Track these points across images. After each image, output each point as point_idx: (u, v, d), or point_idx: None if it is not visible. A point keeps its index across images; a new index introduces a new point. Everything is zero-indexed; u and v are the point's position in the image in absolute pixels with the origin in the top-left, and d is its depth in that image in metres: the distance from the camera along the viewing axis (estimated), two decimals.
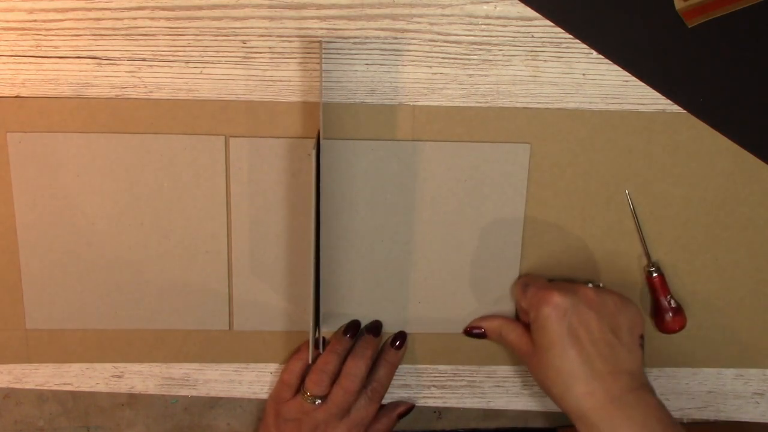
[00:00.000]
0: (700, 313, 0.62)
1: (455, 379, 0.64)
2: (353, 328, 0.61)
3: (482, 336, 0.61)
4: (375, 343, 0.61)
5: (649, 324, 0.62)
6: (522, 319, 0.60)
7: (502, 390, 0.64)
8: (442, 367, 0.63)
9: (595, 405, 0.52)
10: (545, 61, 0.57)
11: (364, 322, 0.62)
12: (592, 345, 0.53)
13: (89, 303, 0.60)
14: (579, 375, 0.53)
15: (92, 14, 0.55)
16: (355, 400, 0.59)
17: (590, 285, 0.56)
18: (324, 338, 0.61)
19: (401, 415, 0.63)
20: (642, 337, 0.55)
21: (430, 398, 0.64)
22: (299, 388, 0.60)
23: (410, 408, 0.63)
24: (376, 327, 0.61)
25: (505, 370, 0.64)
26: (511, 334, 0.59)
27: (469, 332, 0.61)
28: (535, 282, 0.57)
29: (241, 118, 0.57)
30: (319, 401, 0.59)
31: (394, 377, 0.62)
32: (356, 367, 0.59)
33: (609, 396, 0.52)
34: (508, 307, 0.61)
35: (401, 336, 0.61)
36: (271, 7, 0.55)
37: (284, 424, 0.60)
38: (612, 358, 0.53)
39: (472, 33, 0.56)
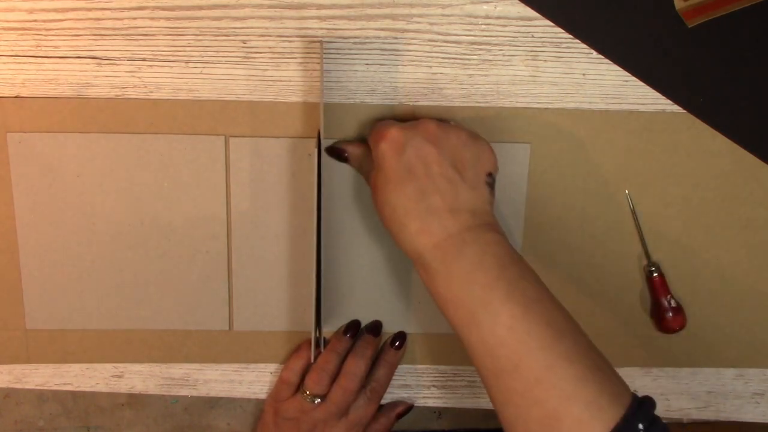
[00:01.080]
0: (700, 313, 0.62)
1: (455, 379, 0.64)
2: (353, 328, 0.61)
3: (344, 159, 0.56)
4: (375, 343, 0.61)
5: (649, 324, 0.62)
6: None
7: None
8: (442, 367, 0.63)
9: (429, 243, 0.48)
10: (545, 61, 0.57)
11: (364, 322, 0.62)
12: (430, 180, 0.49)
13: (89, 303, 0.60)
14: (413, 212, 0.49)
15: (92, 14, 0.55)
16: (354, 400, 0.59)
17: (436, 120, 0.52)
18: (324, 338, 0.61)
19: (400, 415, 0.63)
20: (490, 174, 0.51)
21: (430, 398, 0.64)
22: (299, 387, 0.60)
23: (409, 408, 0.63)
24: (376, 327, 0.61)
25: None
26: (368, 167, 0.54)
27: (334, 152, 0.57)
28: (380, 121, 0.53)
29: (241, 118, 0.57)
30: (319, 400, 0.59)
31: (394, 377, 0.62)
32: (356, 366, 0.59)
33: (445, 233, 0.48)
34: None
35: (401, 336, 0.61)
36: (271, 7, 0.55)
37: (283, 423, 0.60)
38: (451, 195, 0.49)
39: (472, 33, 0.56)
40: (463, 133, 0.51)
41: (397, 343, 0.61)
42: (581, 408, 0.43)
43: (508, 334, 0.45)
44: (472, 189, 0.50)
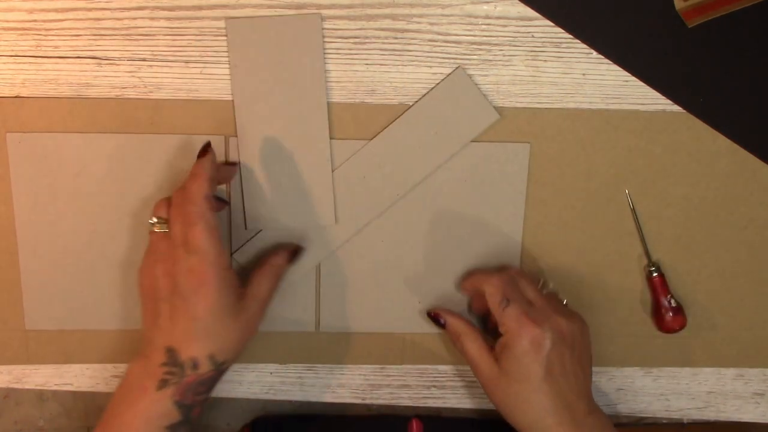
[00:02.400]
0: (700, 313, 0.62)
1: (455, 379, 0.64)
2: (203, 148, 0.53)
3: (441, 326, 0.58)
4: (207, 163, 0.52)
5: (649, 324, 0.62)
6: (483, 322, 0.60)
7: None
8: (442, 367, 0.63)
9: (556, 422, 0.53)
10: (545, 61, 0.57)
11: (365, 322, 0.61)
12: (564, 378, 0.53)
13: (89, 303, 0.60)
14: (550, 408, 0.53)
15: (92, 14, 0.55)
16: (199, 222, 0.50)
17: (561, 300, 0.58)
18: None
19: (291, 255, 0.57)
20: (591, 358, 0.57)
21: (430, 398, 0.64)
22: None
23: (300, 248, 0.58)
24: (204, 148, 0.53)
25: None
26: (473, 346, 0.56)
27: (432, 316, 0.59)
28: (513, 298, 0.55)
29: None
30: (161, 226, 0.52)
31: (394, 377, 0.62)
32: (191, 184, 0.51)
33: (575, 423, 0.53)
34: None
35: (207, 146, 0.53)
36: (271, 7, 0.55)
37: (144, 280, 0.53)
38: (576, 387, 0.54)
39: (472, 33, 0.56)
40: (580, 326, 0.56)
41: (204, 151, 0.53)
42: None
43: None
44: (586, 376, 0.55)
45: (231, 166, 0.57)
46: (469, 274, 0.60)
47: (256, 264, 0.57)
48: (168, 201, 0.53)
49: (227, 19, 0.55)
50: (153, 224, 0.52)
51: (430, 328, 0.62)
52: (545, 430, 0.53)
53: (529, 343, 0.53)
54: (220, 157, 0.57)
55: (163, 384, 0.50)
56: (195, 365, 0.51)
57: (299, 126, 0.57)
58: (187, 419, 0.51)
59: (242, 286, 0.54)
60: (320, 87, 0.56)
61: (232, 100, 0.56)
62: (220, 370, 0.52)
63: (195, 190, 0.51)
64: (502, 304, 0.54)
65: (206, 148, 0.53)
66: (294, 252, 0.58)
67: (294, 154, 0.57)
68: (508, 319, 0.54)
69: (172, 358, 0.50)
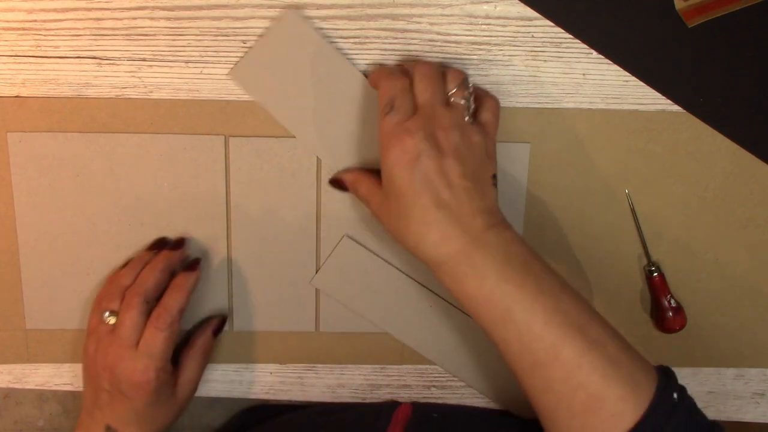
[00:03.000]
0: (700, 313, 0.62)
1: (455, 380, 0.64)
2: (158, 245, 0.58)
3: (343, 188, 0.57)
4: (171, 257, 0.56)
5: (649, 324, 0.62)
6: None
7: None
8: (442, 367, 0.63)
9: (453, 249, 0.48)
10: (545, 61, 0.57)
11: (366, 323, 0.61)
12: (449, 191, 0.48)
13: (89, 303, 0.60)
14: (433, 221, 0.48)
15: (92, 14, 0.55)
16: (143, 317, 0.54)
17: (466, 109, 0.51)
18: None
19: (216, 330, 0.59)
20: (494, 176, 0.51)
21: (430, 398, 0.64)
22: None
23: (223, 320, 0.60)
24: (178, 243, 0.57)
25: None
26: (363, 185, 0.54)
27: (334, 183, 0.57)
28: (398, 105, 0.50)
29: (241, 118, 0.57)
30: (112, 319, 0.55)
31: (394, 378, 0.62)
32: (144, 275, 0.55)
33: (467, 237, 0.48)
34: None
35: (196, 262, 0.57)
36: (271, 7, 0.55)
37: (85, 362, 0.57)
38: (467, 201, 0.49)
39: (472, 33, 0.56)
40: (476, 138, 0.50)
41: (192, 268, 0.57)
42: (621, 386, 0.46)
43: (544, 328, 0.47)
44: (483, 192, 0.50)
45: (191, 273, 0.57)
46: (377, 73, 0.54)
47: (183, 343, 0.59)
48: (120, 294, 0.55)
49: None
50: (105, 313, 0.55)
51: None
52: (435, 249, 0.49)
53: (399, 152, 0.48)
54: (220, 156, 0.57)
55: None
56: None
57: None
58: None
59: (172, 364, 0.56)
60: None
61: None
62: None
63: (174, 303, 0.55)
64: (385, 110, 0.50)
65: (195, 264, 0.57)
66: (219, 326, 0.60)
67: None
68: (384, 126, 0.50)
69: None
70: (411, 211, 0.49)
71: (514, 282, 0.48)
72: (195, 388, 0.58)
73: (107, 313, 0.55)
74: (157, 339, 0.53)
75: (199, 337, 0.59)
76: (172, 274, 0.56)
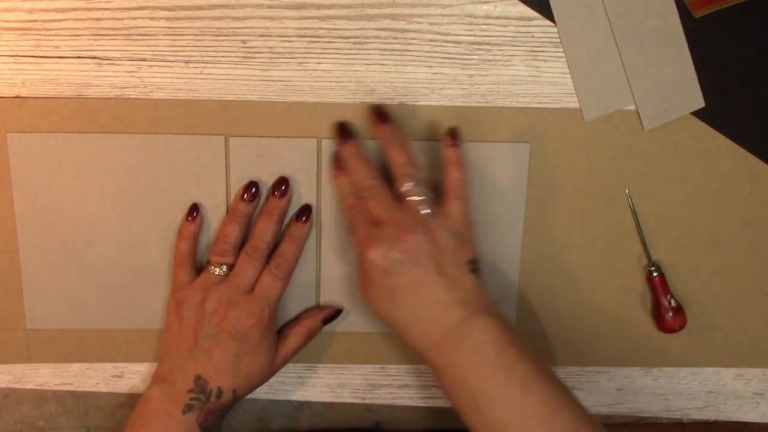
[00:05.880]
0: (700, 313, 0.62)
1: None
2: (249, 190, 0.57)
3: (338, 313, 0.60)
4: (281, 205, 0.57)
5: (649, 324, 0.62)
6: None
7: None
8: None
9: (430, 343, 0.51)
10: (545, 61, 0.57)
11: (366, 319, 0.61)
12: (420, 292, 0.51)
13: (89, 303, 0.60)
14: (411, 322, 0.52)
15: (92, 14, 0.55)
16: (262, 267, 0.56)
17: (420, 204, 0.53)
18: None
19: (326, 319, 0.60)
20: (471, 261, 0.53)
21: (430, 398, 0.64)
22: (198, 270, 0.58)
23: (337, 312, 0.60)
24: (281, 185, 0.57)
25: None
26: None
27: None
28: (357, 222, 0.54)
29: (241, 118, 0.57)
30: (225, 269, 0.56)
31: (395, 377, 0.62)
32: (262, 227, 0.56)
33: (443, 331, 0.51)
34: (508, 306, 0.61)
35: (306, 209, 0.58)
36: (271, 7, 0.55)
37: (188, 314, 0.56)
38: (443, 295, 0.51)
39: (472, 33, 0.56)
40: (442, 233, 0.52)
41: (303, 218, 0.57)
42: None
43: (508, 418, 0.48)
44: (458, 283, 0.52)
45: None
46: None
47: (293, 318, 0.60)
48: (236, 248, 0.56)
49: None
50: (216, 267, 0.56)
51: None
52: (414, 344, 0.52)
53: (371, 266, 0.52)
54: (220, 156, 0.57)
55: (188, 409, 0.55)
56: (219, 395, 0.55)
57: None
58: None
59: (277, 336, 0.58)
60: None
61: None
62: (236, 401, 0.57)
63: (291, 253, 0.57)
64: (349, 212, 0.56)
65: (306, 213, 0.58)
66: (331, 315, 0.60)
67: None
68: (355, 243, 0.54)
69: (199, 386, 0.55)
70: (392, 315, 0.53)
71: (481, 375, 0.50)
72: (287, 362, 0.59)
73: (224, 267, 0.56)
74: (275, 285, 0.56)
75: (308, 318, 0.59)
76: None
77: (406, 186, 0.53)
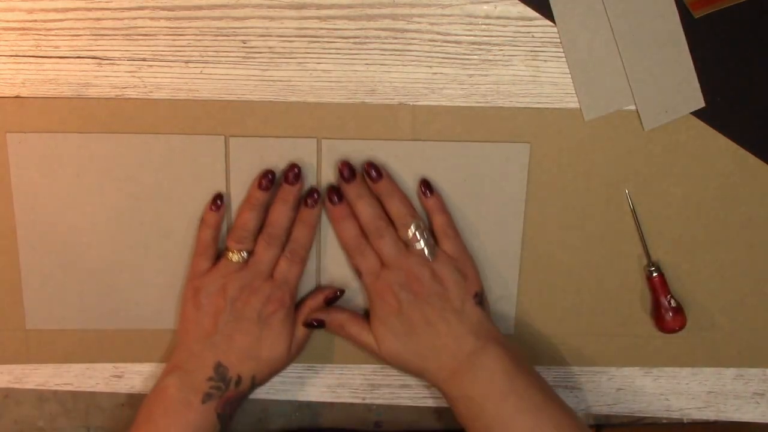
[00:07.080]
0: (700, 313, 0.62)
1: None
2: (266, 177, 0.57)
3: (321, 326, 0.59)
4: (295, 191, 0.57)
5: (649, 324, 0.62)
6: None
7: None
8: None
9: (445, 376, 0.55)
10: (545, 61, 0.57)
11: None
12: (431, 327, 0.55)
13: (89, 303, 0.60)
14: (426, 355, 0.55)
15: (92, 14, 0.55)
16: (280, 254, 0.57)
17: (420, 250, 0.56)
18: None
19: (328, 299, 0.59)
20: (477, 294, 0.56)
21: (430, 398, 0.64)
22: (217, 257, 0.58)
23: (337, 292, 0.59)
24: (292, 170, 0.57)
25: None
26: (353, 329, 0.58)
27: (310, 324, 0.58)
28: (363, 266, 0.57)
29: (241, 118, 0.57)
30: (245, 255, 0.56)
31: (395, 377, 0.62)
32: (278, 213, 0.56)
33: (456, 363, 0.54)
34: (508, 306, 0.61)
35: (313, 192, 0.57)
36: (271, 7, 0.55)
37: (206, 302, 0.56)
38: (452, 329, 0.55)
39: (472, 33, 0.56)
40: (445, 272, 0.56)
41: (308, 201, 0.57)
42: None
43: None
44: (467, 316, 0.55)
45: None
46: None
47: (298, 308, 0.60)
48: (254, 235, 0.57)
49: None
50: (235, 254, 0.56)
51: None
52: (432, 378, 0.56)
53: (386, 306, 0.56)
54: (220, 156, 0.57)
55: (207, 398, 0.55)
56: (238, 383, 0.56)
57: None
58: (225, 429, 0.56)
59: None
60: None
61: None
62: (253, 389, 0.57)
63: (305, 238, 0.57)
64: (355, 260, 0.57)
65: (314, 199, 0.57)
66: (331, 296, 0.60)
67: None
68: (364, 284, 0.57)
69: (220, 373, 0.55)
70: (407, 352, 0.56)
71: (494, 402, 0.53)
72: (302, 349, 0.60)
73: (244, 254, 0.56)
74: (292, 270, 0.57)
75: (310, 299, 0.60)
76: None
77: (409, 233, 0.56)
